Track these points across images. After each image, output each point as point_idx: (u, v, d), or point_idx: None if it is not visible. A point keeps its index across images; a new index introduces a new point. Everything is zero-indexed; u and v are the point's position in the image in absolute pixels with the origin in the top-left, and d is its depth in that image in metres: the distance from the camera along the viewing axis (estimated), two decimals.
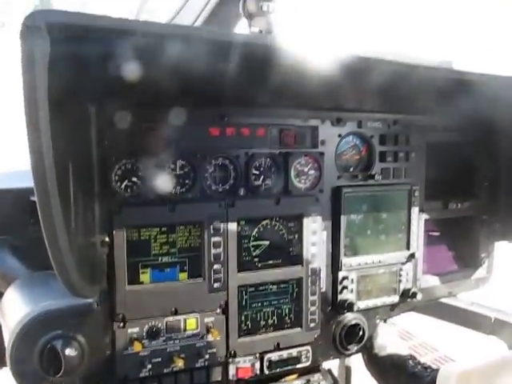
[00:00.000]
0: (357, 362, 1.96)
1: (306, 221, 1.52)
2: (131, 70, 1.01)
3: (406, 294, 1.72)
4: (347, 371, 2.12)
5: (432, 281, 1.82)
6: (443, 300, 1.99)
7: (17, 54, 0.83)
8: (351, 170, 1.66)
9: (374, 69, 1.21)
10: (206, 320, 1.40)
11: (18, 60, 0.83)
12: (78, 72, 0.97)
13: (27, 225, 1.22)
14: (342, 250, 1.60)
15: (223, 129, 1.40)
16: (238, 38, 1.06)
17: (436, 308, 2.06)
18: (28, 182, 0.97)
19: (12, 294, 1.23)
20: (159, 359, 1.34)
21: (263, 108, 1.44)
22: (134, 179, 1.28)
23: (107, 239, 1.24)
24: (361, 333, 1.68)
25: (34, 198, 0.94)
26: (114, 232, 1.24)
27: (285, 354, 1.54)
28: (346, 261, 1.61)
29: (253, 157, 1.45)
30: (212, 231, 1.37)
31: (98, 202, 1.22)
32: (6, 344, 1.12)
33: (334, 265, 1.60)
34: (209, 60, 1.06)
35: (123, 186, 1.27)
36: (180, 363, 1.35)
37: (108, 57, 0.94)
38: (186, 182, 1.36)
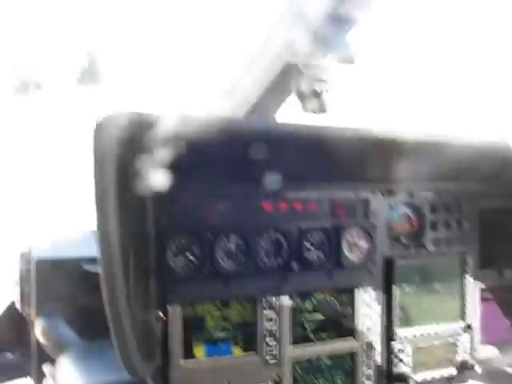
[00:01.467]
0: None
1: (358, 293, 1.52)
2: (190, 155, 1.07)
3: (464, 366, 1.67)
4: None
5: (490, 351, 1.76)
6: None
7: (88, 151, 0.90)
8: (403, 240, 1.65)
9: (430, 150, 1.23)
10: None
11: (90, 158, 0.90)
12: (138, 160, 1.03)
13: (79, 294, 1.26)
14: (396, 322, 1.58)
15: (276, 204, 1.43)
16: (297, 129, 1.12)
17: (495, 375, 1.99)
18: (79, 253, 1.03)
19: (67, 364, 1.26)
20: None
21: (315, 183, 1.47)
22: (189, 255, 1.32)
23: (162, 315, 1.26)
24: None
25: (87, 268, 0.99)
26: (169, 308, 1.26)
27: None
28: (400, 332, 1.58)
29: (305, 231, 1.47)
30: (266, 305, 1.38)
31: (154, 278, 1.25)
32: None
33: (388, 337, 1.58)
34: (268, 145, 1.12)
35: (178, 261, 1.31)
36: None
37: (169, 144, 1.00)
38: (240, 256, 1.38)
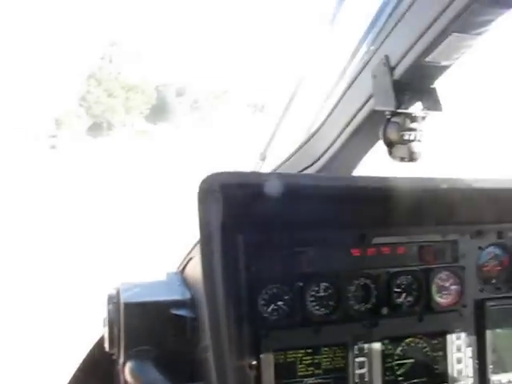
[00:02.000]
0: None
1: (449, 337, 1.50)
2: (281, 208, 1.11)
3: None
4: None
5: None
6: None
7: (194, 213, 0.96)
8: (494, 281, 1.61)
9: None
10: None
11: (195, 219, 0.96)
12: (235, 211, 1.08)
13: (168, 337, 1.29)
14: (490, 367, 1.54)
15: (364, 249, 1.44)
16: (383, 180, 1.14)
17: None
18: (167, 295, 1.08)
19: None
20: None
21: (402, 227, 1.47)
22: (280, 303, 1.35)
23: (255, 362, 1.30)
24: None
25: (175, 312, 1.04)
26: (262, 355, 1.30)
27: None
28: (495, 379, 1.54)
29: (394, 275, 1.47)
30: (356, 352, 1.39)
31: (246, 326, 1.29)
32: None
33: (482, 383, 1.55)
34: (356, 194, 1.14)
35: (270, 309, 1.34)
36: None
37: (269, 199, 1.05)
38: (330, 303, 1.40)
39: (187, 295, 1.28)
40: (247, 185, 1.04)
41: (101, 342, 1.32)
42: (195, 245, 1.37)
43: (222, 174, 1.03)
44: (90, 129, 61.24)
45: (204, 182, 0.97)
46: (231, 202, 1.03)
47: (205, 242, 0.99)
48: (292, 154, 1.55)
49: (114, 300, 1.21)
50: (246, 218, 1.17)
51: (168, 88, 60.67)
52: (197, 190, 0.97)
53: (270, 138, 1.44)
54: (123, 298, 1.17)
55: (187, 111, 50.75)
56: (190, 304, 1.26)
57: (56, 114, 78.85)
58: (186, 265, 1.40)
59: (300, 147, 1.55)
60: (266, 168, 1.56)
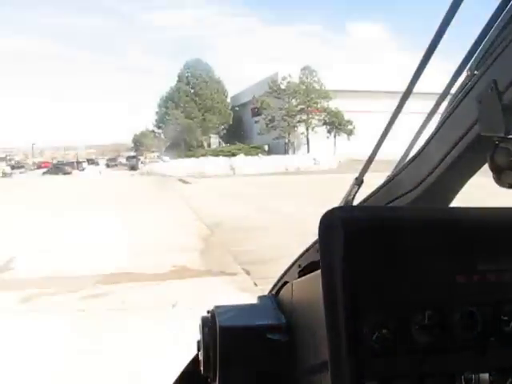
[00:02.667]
0: None
1: None
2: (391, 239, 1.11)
3: None
4: None
5: None
6: None
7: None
8: None
9: None
10: None
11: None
12: (355, 245, 1.08)
13: (263, 361, 1.29)
14: None
15: (470, 276, 1.40)
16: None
17: None
18: (262, 320, 1.09)
19: None
20: None
21: (508, 254, 1.42)
22: (385, 331, 1.32)
23: None
24: None
25: (271, 336, 1.04)
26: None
27: None
28: None
29: (501, 302, 1.42)
30: (463, 382, 1.35)
31: (352, 354, 1.28)
32: None
33: None
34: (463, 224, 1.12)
35: (374, 337, 1.32)
36: None
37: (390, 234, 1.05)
38: (435, 331, 1.37)
39: (282, 319, 1.29)
40: (370, 219, 1.04)
41: (195, 364, 1.34)
42: (289, 269, 1.37)
43: (343, 209, 1.03)
44: (168, 149, 62.89)
45: (325, 218, 0.98)
46: (352, 236, 1.03)
47: (327, 274, 1.00)
48: (387, 182, 1.55)
49: (209, 323, 1.23)
50: (365, 251, 1.17)
51: (245, 108, 61.56)
52: (318, 226, 0.98)
53: (367, 162, 1.43)
54: (219, 322, 1.19)
55: (263, 130, 51.11)
56: (285, 328, 1.27)
57: (134, 135, 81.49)
58: (280, 289, 1.40)
59: (395, 175, 1.54)
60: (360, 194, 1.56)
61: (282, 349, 1.20)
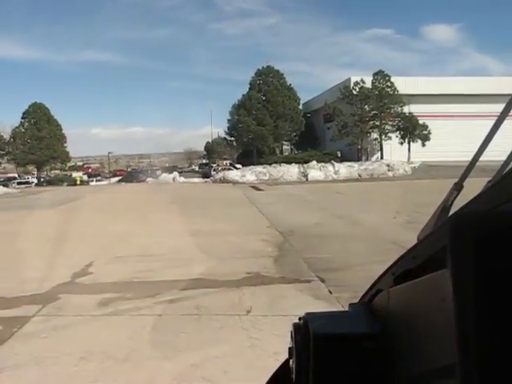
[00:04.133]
0: None
1: None
2: None
3: None
4: None
5: None
6: None
7: None
8: None
9: None
10: None
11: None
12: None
13: (358, 370, 1.23)
14: None
15: None
16: None
17: None
18: (356, 328, 1.02)
19: None
20: None
21: None
22: None
23: None
24: None
25: (366, 345, 0.97)
26: None
27: None
28: None
29: None
30: None
31: (481, 367, 1.19)
32: None
33: None
34: None
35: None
36: None
37: None
38: None
39: (377, 328, 1.21)
40: (500, 223, 0.96)
41: (285, 371, 1.30)
42: (381, 277, 1.31)
43: (471, 214, 0.95)
44: (240, 156, 63.55)
45: (455, 222, 0.90)
46: (485, 241, 0.96)
47: (459, 283, 0.92)
48: (492, 186, 1.45)
49: (301, 330, 1.18)
50: (499, 256, 1.09)
51: (317, 114, 61.45)
52: (449, 231, 0.91)
53: (469, 166, 1.33)
54: (312, 329, 1.13)
55: (336, 137, 50.82)
56: (381, 336, 1.19)
57: (207, 143, 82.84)
58: (373, 297, 1.33)
59: (501, 178, 1.44)
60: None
61: (377, 357, 1.14)
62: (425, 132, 49.52)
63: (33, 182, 58.20)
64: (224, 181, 39.99)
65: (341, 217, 15.05)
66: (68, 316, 6.29)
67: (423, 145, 49.32)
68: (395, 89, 50.45)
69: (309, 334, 1.17)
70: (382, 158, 49.64)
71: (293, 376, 1.20)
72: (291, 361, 1.20)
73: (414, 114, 49.70)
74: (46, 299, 7.02)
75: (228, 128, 63.94)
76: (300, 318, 1.24)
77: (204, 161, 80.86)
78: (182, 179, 47.75)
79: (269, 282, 7.66)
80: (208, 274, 8.10)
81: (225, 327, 5.68)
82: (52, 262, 9.52)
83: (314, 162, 41.82)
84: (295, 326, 1.20)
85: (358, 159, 49.27)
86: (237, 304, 6.53)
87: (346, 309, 1.35)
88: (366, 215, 14.80)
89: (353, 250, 9.83)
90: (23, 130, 65.99)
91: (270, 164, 43.71)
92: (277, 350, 4.66)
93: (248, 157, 57.49)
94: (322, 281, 7.54)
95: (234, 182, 37.76)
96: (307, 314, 1.25)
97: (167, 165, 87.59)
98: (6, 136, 66.18)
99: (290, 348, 1.20)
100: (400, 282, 1.17)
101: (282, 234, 12.10)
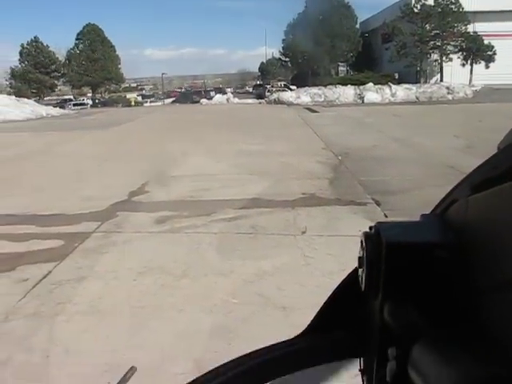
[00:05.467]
0: None
1: None
2: None
3: None
4: None
5: None
6: None
7: None
8: None
9: None
10: None
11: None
12: None
13: (430, 280, 1.17)
14: None
15: None
16: None
17: None
18: (430, 237, 0.95)
19: (420, 353, 1.18)
20: None
21: None
22: None
23: None
24: None
25: (440, 254, 0.91)
26: None
27: None
28: None
29: None
30: None
31: None
32: None
33: None
34: None
35: None
36: None
37: None
38: None
39: (451, 237, 1.13)
40: None
41: (353, 280, 1.22)
42: (457, 187, 1.21)
43: None
44: (295, 77, 62.47)
45: None
46: None
47: None
48: None
49: (373, 239, 1.09)
50: None
51: (374, 34, 59.31)
52: None
53: None
54: (384, 237, 1.05)
55: (394, 58, 49.09)
56: (456, 247, 1.11)
57: (261, 64, 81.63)
58: (448, 207, 1.23)
59: None
60: None
61: (450, 268, 1.07)
62: (489, 53, 47.18)
63: (88, 104, 59.00)
64: (278, 102, 39.55)
65: (397, 140, 14.70)
66: (126, 233, 6.44)
67: (487, 67, 47.14)
68: (460, 5, 47.83)
69: (380, 243, 1.11)
70: (441, 80, 47.80)
71: (362, 285, 1.15)
72: (360, 270, 1.15)
73: (479, 34, 47.27)
74: (105, 216, 7.21)
75: (283, 48, 62.66)
76: (370, 228, 1.18)
77: (258, 82, 79.89)
78: (236, 100, 47.51)
79: (324, 203, 7.61)
80: (263, 194, 8.11)
81: (279, 246, 5.72)
82: (109, 181, 9.75)
83: (371, 84, 40.67)
84: (366, 234, 1.14)
85: (416, 81, 47.57)
86: (292, 224, 6.54)
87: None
88: (423, 139, 14.41)
89: (409, 173, 9.63)
90: (78, 52, 66.58)
91: (325, 85, 42.77)
92: (331, 269, 4.67)
93: (303, 78, 56.40)
94: (378, 204, 7.44)
95: (289, 104, 37.30)
96: (378, 223, 1.18)
97: (221, 86, 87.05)
98: (61, 58, 67.02)
99: (359, 257, 1.16)
100: (479, 191, 1.09)
101: (337, 156, 11.95)
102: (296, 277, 4.77)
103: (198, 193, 8.47)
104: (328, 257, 5.20)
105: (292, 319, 3.78)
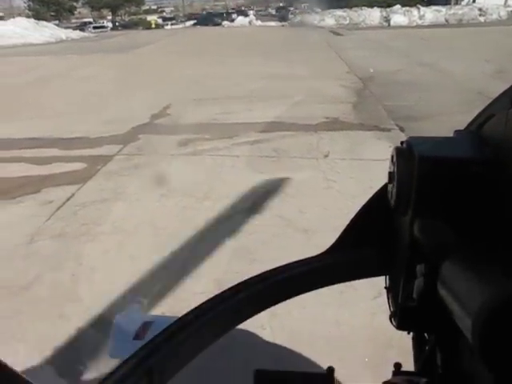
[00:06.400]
0: None
1: None
2: None
3: None
4: None
5: None
6: None
7: None
8: None
9: None
10: None
11: None
12: None
13: (463, 197, 1.14)
14: None
15: None
16: None
17: None
18: (464, 153, 0.91)
19: (451, 268, 1.15)
20: None
21: None
22: None
23: None
24: None
25: (476, 170, 0.87)
26: None
27: None
28: None
29: None
30: None
31: None
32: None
33: None
34: None
35: None
36: None
37: None
38: None
39: (487, 153, 1.08)
40: None
41: (382, 196, 1.19)
42: (495, 102, 1.15)
43: None
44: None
45: None
46: None
47: None
48: None
49: (405, 154, 1.05)
50: None
51: None
52: None
53: None
54: (416, 152, 1.01)
55: None
56: (492, 163, 1.07)
57: None
58: (484, 122, 1.18)
59: None
60: None
61: (485, 185, 1.04)
62: None
63: (108, 27, 58.17)
64: (302, 25, 38.57)
65: (424, 64, 14.29)
66: (148, 155, 6.45)
67: None
68: None
69: (413, 157, 1.06)
70: (473, 1, 45.87)
71: (391, 201, 1.12)
72: (390, 186, 1.12)
73: None
74: (127, 139, 7.21)
75: None
76: (402, 142, 1.14)
77: (281, 4, 77.66)
78: (259, 23, 46.41)
79: (347, 128, 7.50)
80: (286, 118, 8.01)
81: (302, 169, 5.69)
82: (131, 104, 9.69)
83: (398, 6, 39.28)
84: (397, 149, 1.10)
85: (447, 3, 45.71)
86: (315, 148, 6.48)
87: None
88: (451, 63, 13.98)
89: (435, 99, 9.39)
90: None
91: (350, 8, 41.44)
92: (354, 193, 4.64)
93: (327, 0, 54.59)
94: (402, 130, 7.31)
95: (313, 27, 36.33)
96: (410, 137, 1.13)
97: (243, 8, 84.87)
98: None
99: (389, 173, 1.12)
100: None
101: (361, 80, 11.70)
102: (318, 200, 4.76)
103: (220, 116, 8.39)
104: (350, 180, 5.16)
105: (314, 242, 3.79)
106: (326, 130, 7.34)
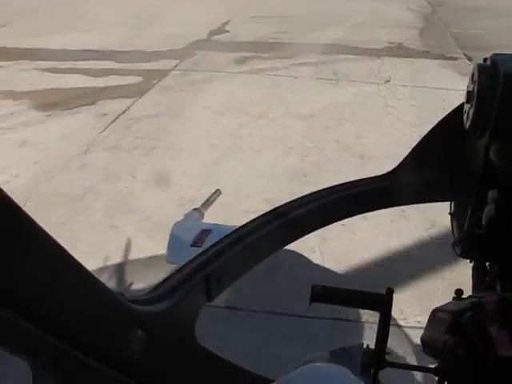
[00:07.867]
0: None
1: None
2: None
3: None
4: None
5: None
6: None
7: None
8: None
9: None
10: None
11: None
12: None
13: None
14: None
15: None
16: None
17: None
18: None
19: None
20: None
21: None
22: None
23: None
24: None
25: None
26: None
27: None
28: None
29: None
30: None
31: None
32: None
33: None
34: None
35: None
36: None
37: None
38: None
39: None
40: None
41: (455, 116, 1.11)
42: None
43: None
44: None
45: None
46: None
47: None
48: None
49: (488, 71, 0.96)
50: None
51: None
52: None
53: None
54: (502, 70, 0.91)
55: None
56: None
57: None
58: None
59: None
60: None
61: None
62: None
63: None
64: None
65: None
66: (205, 72, 6.35)
67: None
68: None
69: (497, 75, 0.97)
70: None
71: (467, 122, 1.03)
72: (467, 106, 1.03)
73: None
74: (184, 54, 7.10)
75: None
76: (485, 59, 1.04)
77: None
78: None
79: (411, 54, 7.18)
80: (348, 41, 7.71)
81: (361, 93, 5.53)
82: (188, 19, 9.49)
83: None
84: (480, 66, 1.00)
85: None
86: (376, 73, 6.25)
87: None
88: None
89: (511, 27, 8.81)
90: None
91: None
92: (414, 121, 4.48)
93: None
94: (470, 59, 6.93)
95: None
96: (495, 54, 1.03)
97: None
98: None
99: (468, 91, 1.02)
100: None
101: (430, 4, 11.07)
102: (376, 126, 4.63)
103: (279, 35, 8.14)
104: (412, 108, 4.98)
105: (369, 168, 3.69)
106: (388, 55, 7.05)
